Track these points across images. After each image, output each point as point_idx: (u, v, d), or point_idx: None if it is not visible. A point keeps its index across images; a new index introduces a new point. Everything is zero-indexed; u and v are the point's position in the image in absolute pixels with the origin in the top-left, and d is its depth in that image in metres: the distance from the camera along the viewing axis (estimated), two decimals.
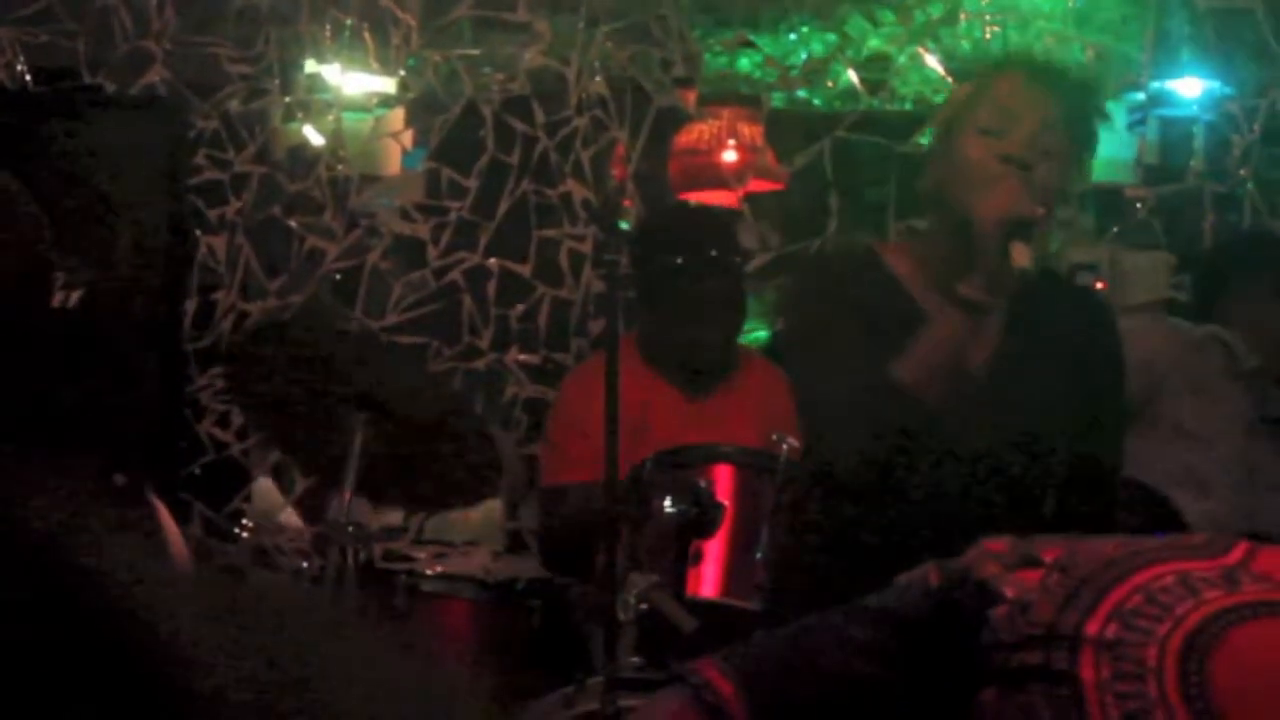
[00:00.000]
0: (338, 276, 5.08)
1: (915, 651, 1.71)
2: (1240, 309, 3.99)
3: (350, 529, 3.47)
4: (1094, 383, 3.02)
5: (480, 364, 5.02)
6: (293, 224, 5.09)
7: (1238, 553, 1.61)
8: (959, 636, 1.65)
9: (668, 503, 3.19)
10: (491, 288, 5.04)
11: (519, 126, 5.04)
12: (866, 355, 2.90)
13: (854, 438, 2.93)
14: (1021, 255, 2.83)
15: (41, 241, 2.92)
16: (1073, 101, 2.98)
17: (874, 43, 5.10)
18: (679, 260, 3.91)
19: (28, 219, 2.86)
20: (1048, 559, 1.64)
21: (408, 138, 5.23)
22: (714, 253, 3.96)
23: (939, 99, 5.00)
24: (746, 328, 4.45)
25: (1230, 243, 4.70)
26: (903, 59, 5.03)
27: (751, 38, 5.21)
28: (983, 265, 2.85)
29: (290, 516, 4.95)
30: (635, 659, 3.01)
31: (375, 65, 5.12)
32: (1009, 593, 1.62)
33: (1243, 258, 4.18)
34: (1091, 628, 1.55)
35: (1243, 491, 3.79)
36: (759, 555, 3.19)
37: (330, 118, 5.13)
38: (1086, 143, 3.02)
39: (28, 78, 5.15)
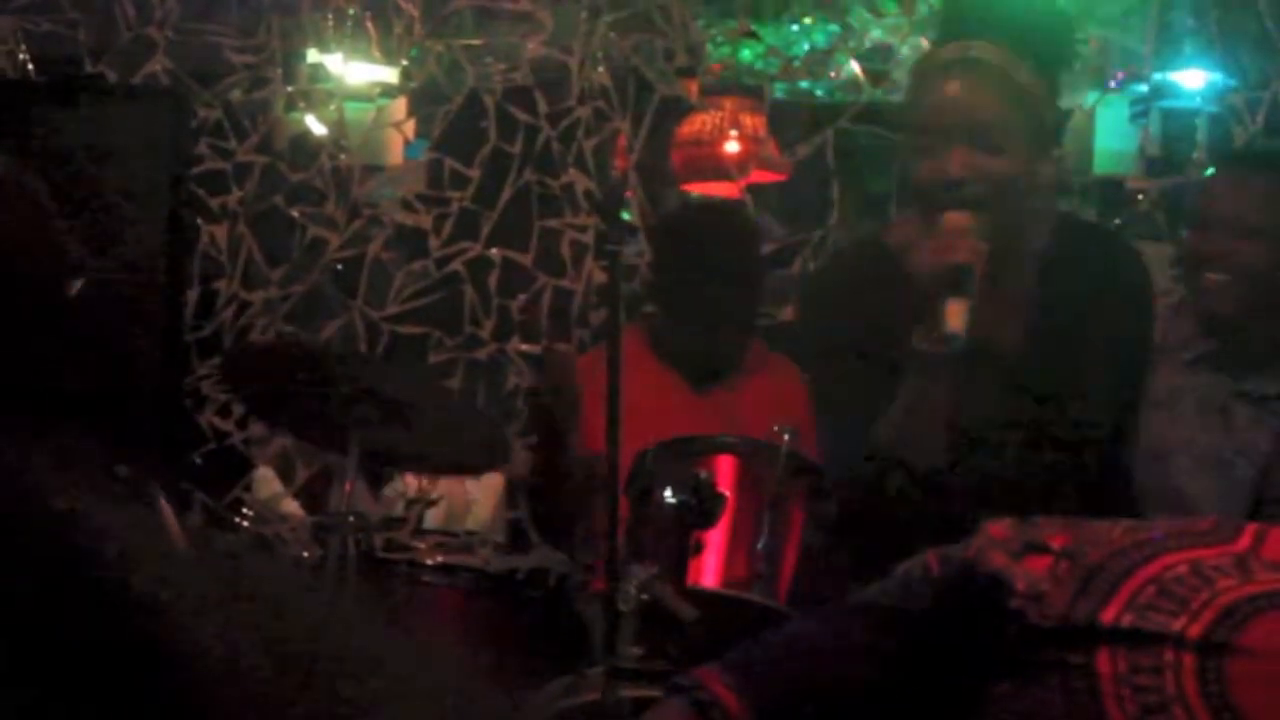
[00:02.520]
0: (339, 267, 5.08)
1: (919, 648, 1.69)
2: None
3: (351, 519, 3.48)
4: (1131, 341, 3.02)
5: (482, 354, 5.01)
6: (295, 214, 5.08)
7: (1247, 538, 1.60)
8: (968, 631, 1.63)
9: (669, 493, 3.19)
10: (493, 278, 5.03)
11: (521, 116, 5.03)
12: (876, 337, 2.90)
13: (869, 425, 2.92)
14: (955, 317, 2.73)
15: (54, 234, 2.91)
16: (1025, 69, 2.85)
17: (877, 33, 5.09)
18: (699, 268, 3.93)
19: (39, 210, 2.86)
20: (1055, 545, 1.62)
21: (410, 128, 5.23)
22: (734, 262, 3.97)
23: None
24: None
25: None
26: (905, 50, 5.02)
27: (754, 28, 5.21)
28: (929, 316, 2.78)
29: (291, 505, 4.95)
30: (636, 649, 3.01)
31: (377, 55, 5.12)
32: (1020, 586, 1.60)
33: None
34: (1106, 618, 1.54)
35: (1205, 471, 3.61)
36: (760, 546, 3.19)
37: (332, 107, 5.12)
38: (1050, 99, 2.91)
39: (29, 66, 5.15)
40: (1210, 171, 3.69)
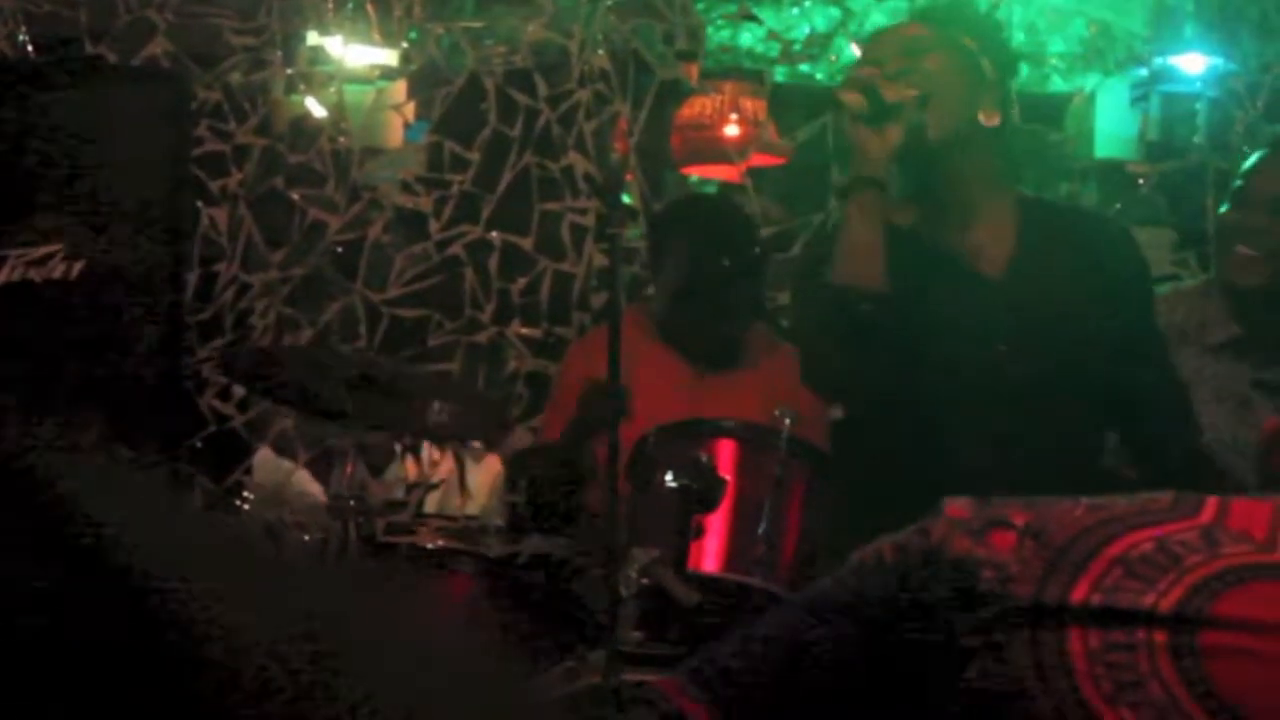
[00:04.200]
0: (339, 249, 5.07)
1: (882, 640, 1.67)
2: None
3: (352, 502, 3.48)
4: (1118, 300, 3.05)
5: (482, 337, 5.02)
6: (294, 196, 5.08)
7: (1210, 510, 1.59)
8: (934, 619, 1.62)
9: (669, 477, 3.19)
10: (493, 261, 5.03)
11: (521, 99, 5.03)
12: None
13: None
14: (847, 94, 2.93)
15: None
16: (946, 24, 3.07)
17: (877, 17, 5.09)
18: (699, 259, 3.93)
19: None
20: (1018, 522, 1.60)
21: (410, 110, 5.22)
22: (731, 256, 3.98)
23: None
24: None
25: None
26: None
27: (754, 11, 5.20)
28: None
29: (297, 485, 4.94)
30: (636, 633, 3.01)
31: (377, 37, 5.11)
32: (986, 571, 1.59)
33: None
34: (1075, 597, 1.53)
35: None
36: (761, 530, 3.19)
37: (332, 90, 5.12)
38: (993, 61, 3.08)
39: (29, 47, 5.14)
40: (1261, 153, 3.69)
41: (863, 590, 1.69)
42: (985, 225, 3.06)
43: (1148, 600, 1.50)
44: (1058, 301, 3.00)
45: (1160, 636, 1.49)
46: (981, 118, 3.02)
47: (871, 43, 3.22)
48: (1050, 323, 2.99)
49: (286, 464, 4.98)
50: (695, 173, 5.38)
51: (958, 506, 1.65)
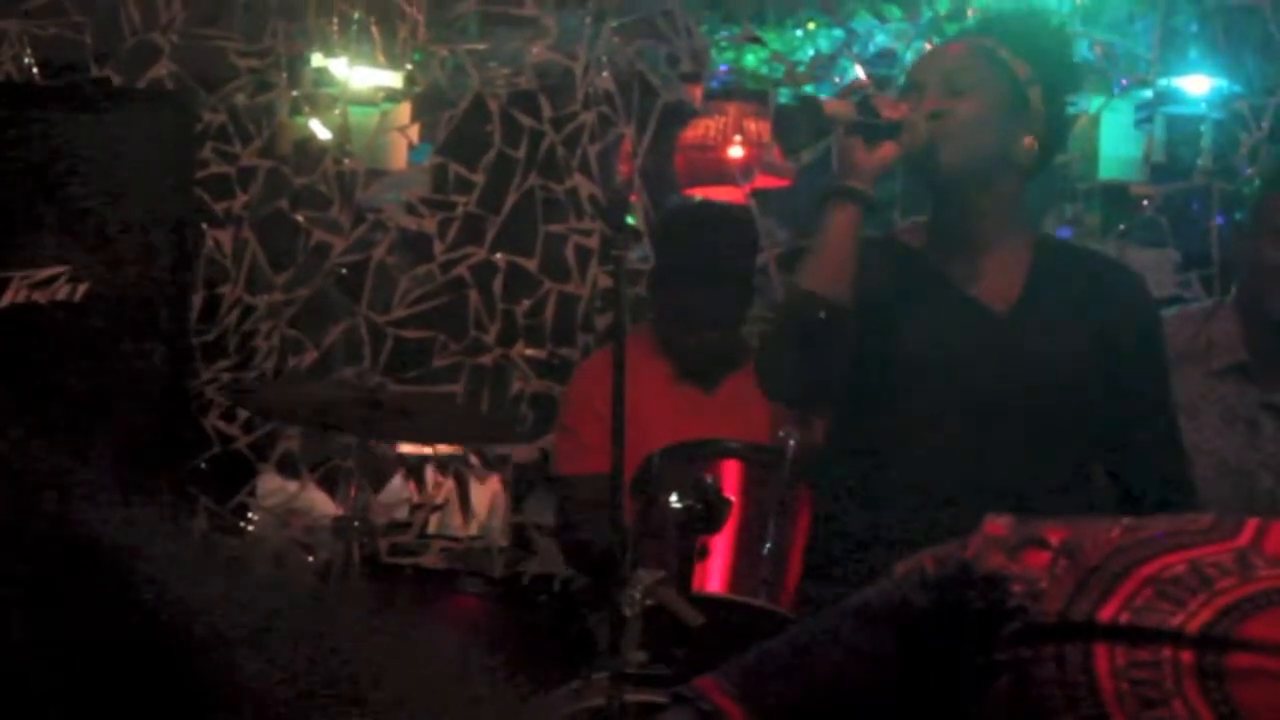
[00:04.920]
0: (343, 271, 5.07)
1: (919, 650, 1.68)
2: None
3: (356, 523, 3.48)
4: (1126, 344, 3.04)
5: (486, 359, 5.01)
6: (299, 218, 5.08)
7: (1248, 532, 1.58)
8: (966, 632, 1.63)
9: (674, 498, 3.19)
10: (498, 283, 5.03)
11: (526, 121, 5.03)
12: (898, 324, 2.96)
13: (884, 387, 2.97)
14: (833, 105, 3.03)
15: None
16: (1006, 41, 3.05)
17: (881, 39, 5.10)
18: (687, 267, 3.94)
19: None
20: (1053, 541, 1.61)
21: (414, 132, 5.23)
22: (721, 261, 3.98)
23: None
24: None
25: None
26: (909, 55, 5.02)
27: (758, 33, 5.21)
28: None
29: (305, 501, 4.93)
30: (641, 654, 3.01)
31: (382, 59, 5.12)
32: (1017, 586, 1.60)
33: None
34: (1103, 616, 1.53)
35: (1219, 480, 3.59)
36: (766, 551, 3.19)
37: (337, 112, 5.12)
38: (1035, 73, 3.06)
39: (34, 70, 5.15)
40: None
41: (903, 600, 1.70)
42: (997, 259, 3.04)
43: (1176, 621, 1.50)
44: (1060, 346, 2.99)
45: (1187, 656, 1.48)
46: (1022, 145, 3.01)
47: (916, 63, 3.28)
48: (1049, 364, 2.98)
49: (291, 485, 4.97)
50: (699, 194, 5.38)
51: (998, 523, 1.67)
